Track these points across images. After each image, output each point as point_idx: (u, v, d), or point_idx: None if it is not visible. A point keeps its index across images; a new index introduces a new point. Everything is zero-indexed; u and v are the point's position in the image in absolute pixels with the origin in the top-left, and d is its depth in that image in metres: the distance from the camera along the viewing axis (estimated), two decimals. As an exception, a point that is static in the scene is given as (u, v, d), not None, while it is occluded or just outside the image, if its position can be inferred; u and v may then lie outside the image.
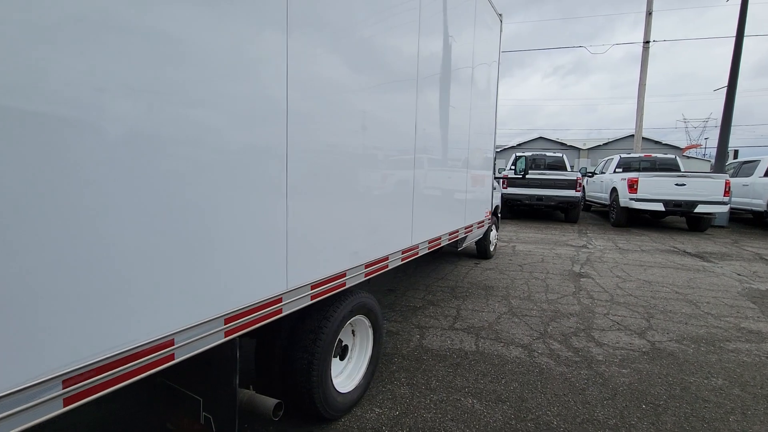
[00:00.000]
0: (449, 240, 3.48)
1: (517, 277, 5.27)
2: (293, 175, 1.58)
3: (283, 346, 2.06)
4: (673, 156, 11.46)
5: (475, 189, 4.05)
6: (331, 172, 1.82)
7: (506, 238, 8.48)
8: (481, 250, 6.20)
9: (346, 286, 2.05)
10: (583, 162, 36.53)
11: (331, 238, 1.88)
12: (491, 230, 6.28)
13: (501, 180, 10.80)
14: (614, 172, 11.20)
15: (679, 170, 10.88)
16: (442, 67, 2.96)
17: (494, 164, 4.76)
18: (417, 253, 2.84)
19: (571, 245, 7.74)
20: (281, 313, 1.61)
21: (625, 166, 11.39)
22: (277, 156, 1.50)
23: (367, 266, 2.21)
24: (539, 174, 10.45)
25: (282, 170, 1.53)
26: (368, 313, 2.42)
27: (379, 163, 2.21)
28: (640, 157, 11.72)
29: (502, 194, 10.71)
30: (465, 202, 3.76)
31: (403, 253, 2.61)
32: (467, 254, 6.48)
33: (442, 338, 3.33)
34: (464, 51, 3.38)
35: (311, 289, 1.78)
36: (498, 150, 13.26)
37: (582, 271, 5.68)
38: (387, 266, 2.44)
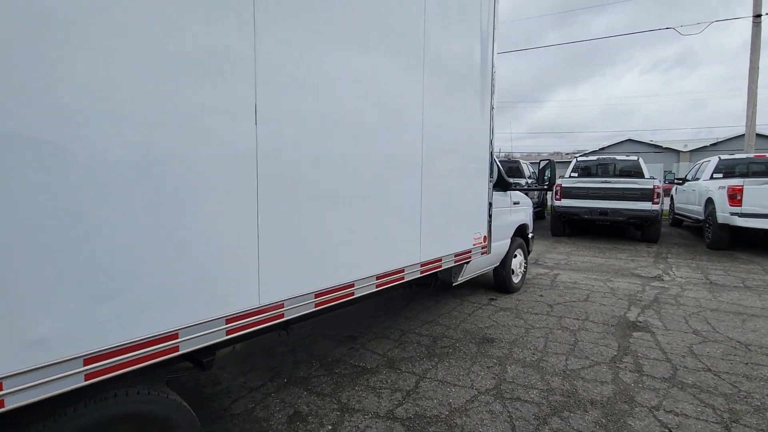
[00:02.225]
0: (381, 286, 2.35)
1: (538, 324, 3.84)
2: None
3: None
4: (800, 156, 8.66)
5: (445, 207, 2.85)
6: None
7: (552, 262, 6.84)
8: (500, 282, 4.81)
9: (6, 407, 1.09)
10: (684, 167, 31.41)
11: None
12: (515, 256, 4.87)
13: (557, 190, 9.05)
14: (711, 177, 8.78)
15: (808, 174, 8.15)
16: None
17: (493, 171, 3.47)
18: (282, 315, 1.79)
19: (639, 275, 5.91)
20: None
21: (727, 170, 8.87)
22: None
23: (92, 359, 1.23)
24: (602, 182, 8.51)
25: None
26: (147, 424, 1.43)
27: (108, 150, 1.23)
28: (748, 158, 9.08)
29: (556, 207, 8.95)
30: (419, 227, 2.59)
31: (229, 322, 1.58)
32: (486, 284, 5.11)
33: (361, 436, 2.20)
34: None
35: None
36: (579, 155, 11.02)
37: (640, 319, 4.04)
38: (177, 349, 1.43)
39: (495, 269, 4.74)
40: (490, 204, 3.47)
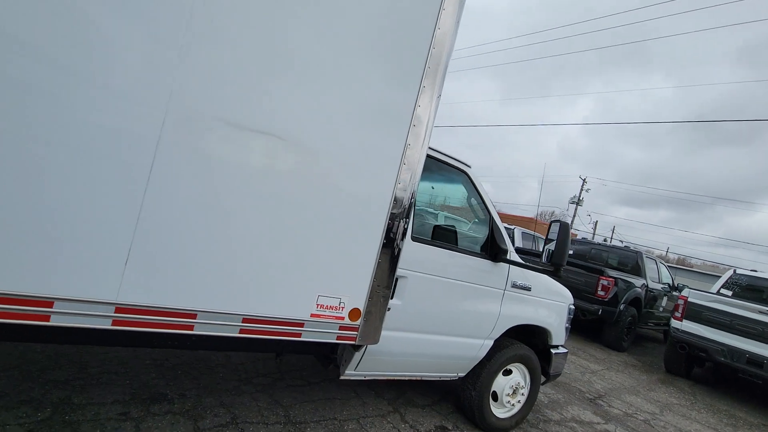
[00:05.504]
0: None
1: None
2: None
3: None
4: None
5: (223, 221, 1.58)
6: None
7: (622, 409, 4.28)
8: (467, 407, 2.97)
9: None
10: None
11: None
12: (507, 372, 3.01)
13: (679, 304, 6.12)
14: None
15: None
16: None
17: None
18: None
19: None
20: None
21: None
22: None
23: None
24: (765, 314, 5.30)
25: None
26: None
27: None
28: None
29: (674, 330, 6.01)
30: (131, 235, 1.41)
31: None
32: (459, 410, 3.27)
33: None
34: None
35: None
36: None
37: None
38: None
39: (463, 382, 2.96)
40: (395, 254, 1.99)
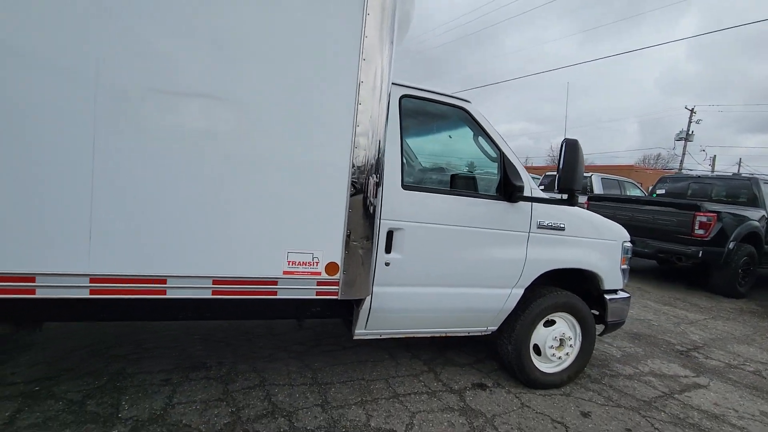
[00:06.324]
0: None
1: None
2: None
3: None
4: None
5: (180, 185, 1.61)
6: None
7: (723, 360, 3.59)
8: (506, 362, 2.75)
9: None
10: None
11: None
12: (549, 323, 2.73)
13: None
14: None
15: None
16: None
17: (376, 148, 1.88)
18: None
19: None
20: None
21: None
22: None
23: None
24: None
25: None
26: None
27: None
28: None
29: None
30: (89, 206, 1.52)
31: None
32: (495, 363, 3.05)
33: None
34: None
35: None
36: None
37: None
38: None
39: (498, 336, 2.74)
40: (367, 204, 1.87)
